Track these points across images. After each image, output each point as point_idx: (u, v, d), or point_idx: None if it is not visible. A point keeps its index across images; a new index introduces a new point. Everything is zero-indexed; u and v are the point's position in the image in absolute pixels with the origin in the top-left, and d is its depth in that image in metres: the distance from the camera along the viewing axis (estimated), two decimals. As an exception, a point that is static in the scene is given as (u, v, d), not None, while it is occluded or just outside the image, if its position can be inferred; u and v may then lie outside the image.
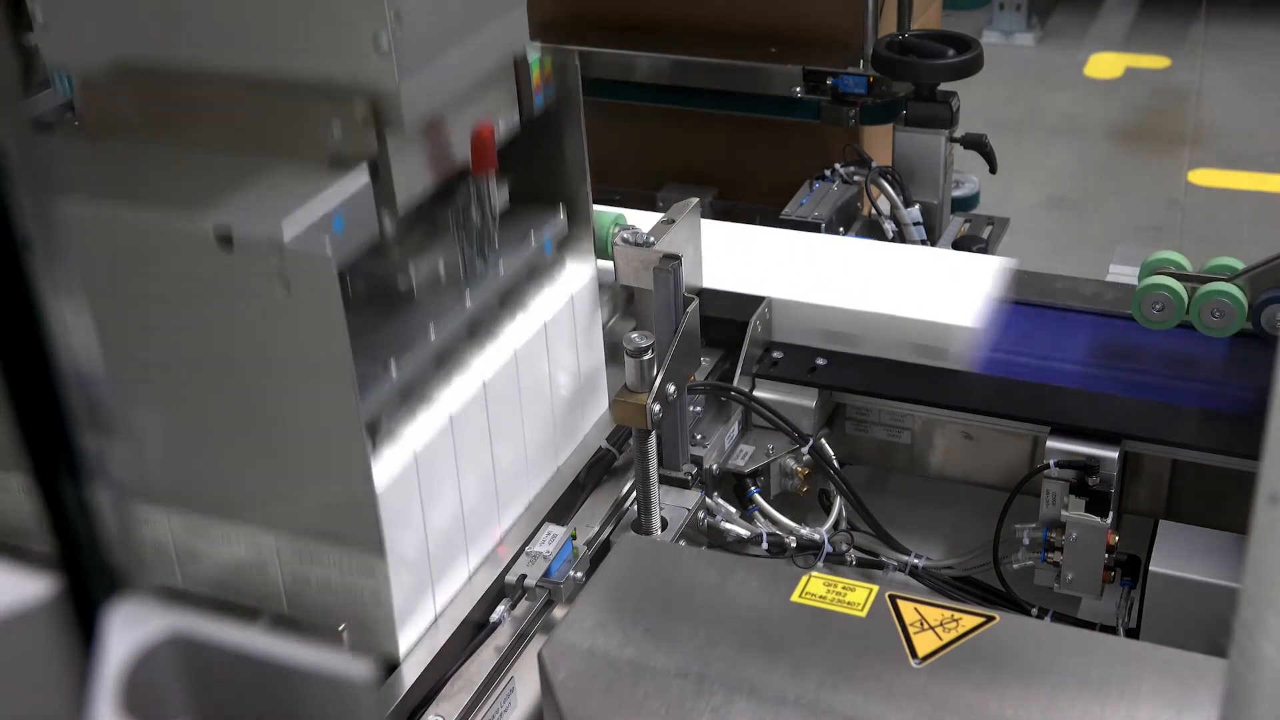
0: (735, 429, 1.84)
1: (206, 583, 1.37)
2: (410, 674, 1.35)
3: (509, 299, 1.55)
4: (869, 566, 1.80)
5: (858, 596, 1.33)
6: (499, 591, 1.49)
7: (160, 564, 1.36)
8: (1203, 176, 4.54)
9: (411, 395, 1.38)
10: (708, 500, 1.73)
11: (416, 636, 1.37)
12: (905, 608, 1.31)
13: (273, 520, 1.31)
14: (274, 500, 1.31)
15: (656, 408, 1.55)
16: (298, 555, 1.31)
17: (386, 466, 1.30)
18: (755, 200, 2.60)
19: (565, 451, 1.66)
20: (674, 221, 1.66)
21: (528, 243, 1.57)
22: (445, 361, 1.44)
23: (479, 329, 1.50)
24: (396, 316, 1.42)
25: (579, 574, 1.53)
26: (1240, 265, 1.75)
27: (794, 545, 1.73)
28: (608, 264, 1.71)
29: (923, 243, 2.30)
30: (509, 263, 1.53)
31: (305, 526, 1.30)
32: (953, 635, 1.27)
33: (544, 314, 1.58)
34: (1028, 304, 2.01)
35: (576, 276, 1.65)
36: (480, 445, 1.46)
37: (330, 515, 1.29)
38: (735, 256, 1.98)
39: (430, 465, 1.36)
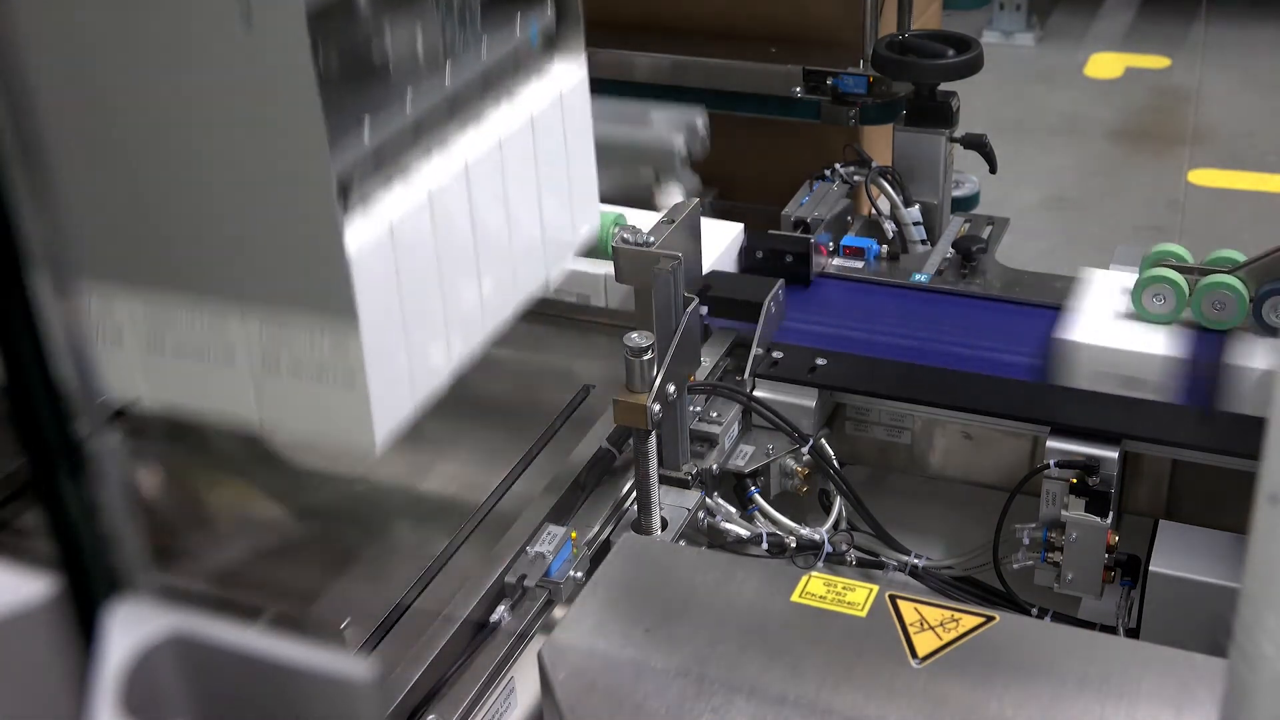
0: (735, 429, 1.84)
1: (172, 385, 1.28)
2: (410, 674, 1.35)
3: (493, 85, 1.46)
4: (869, 566, 1.80)
5: (858, 596, 1.33)
6: (499, 591, 1.49)
7: (122, 370, 1.27)
8: (1203, 176, 4.53)
9: (387, 164, 1.29)
10: (708, 500, 1.73)
11: (392, 427, 1.28)
12: (905, 608, 1.31)
13: (238, 294, 1.22)
14: (238, 271, 1.22)
15: (656, 408, 1.55)
16: (266, 335, 1.23)
17: (359, 234, 1.22)
18: (755, 200, 2.59)
19: (554, 264, 1.56)
20: (674, 221, 1.66)
21: (512, 29, 1.48)
22: (424, 136, 1.34)
23: (461, 110, 1.40)
24: (370, 85, 1.32)
25: (579, 574, 1.53)
26: (1241, 258, 1.75)
27: (794, 545, 1.73)
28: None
29: (923, 243, 2.30)
30: (493, 47, 1.44)
31: (272, 299, 1.22)
32: (953, 635, 1.27)
33: (532, 107, 1.49)
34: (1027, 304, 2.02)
35: (567, 77, 1.56)
36: (462, 232, 1.38)
37: (299, 285, 1.21)
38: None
39: (407, 241, 1.28)
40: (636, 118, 2.08)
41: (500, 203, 1.44)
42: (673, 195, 2.06)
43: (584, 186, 1.60)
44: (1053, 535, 1.69)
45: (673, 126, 2.06)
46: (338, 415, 1.24)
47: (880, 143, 2.55)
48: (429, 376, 1.34)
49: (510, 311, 1.47)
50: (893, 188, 2.31)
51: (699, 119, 2.09)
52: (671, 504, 1.68)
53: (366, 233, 1.23)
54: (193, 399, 1.29)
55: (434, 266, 1.32)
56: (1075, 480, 1.67)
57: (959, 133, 2.37)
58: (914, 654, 1.25)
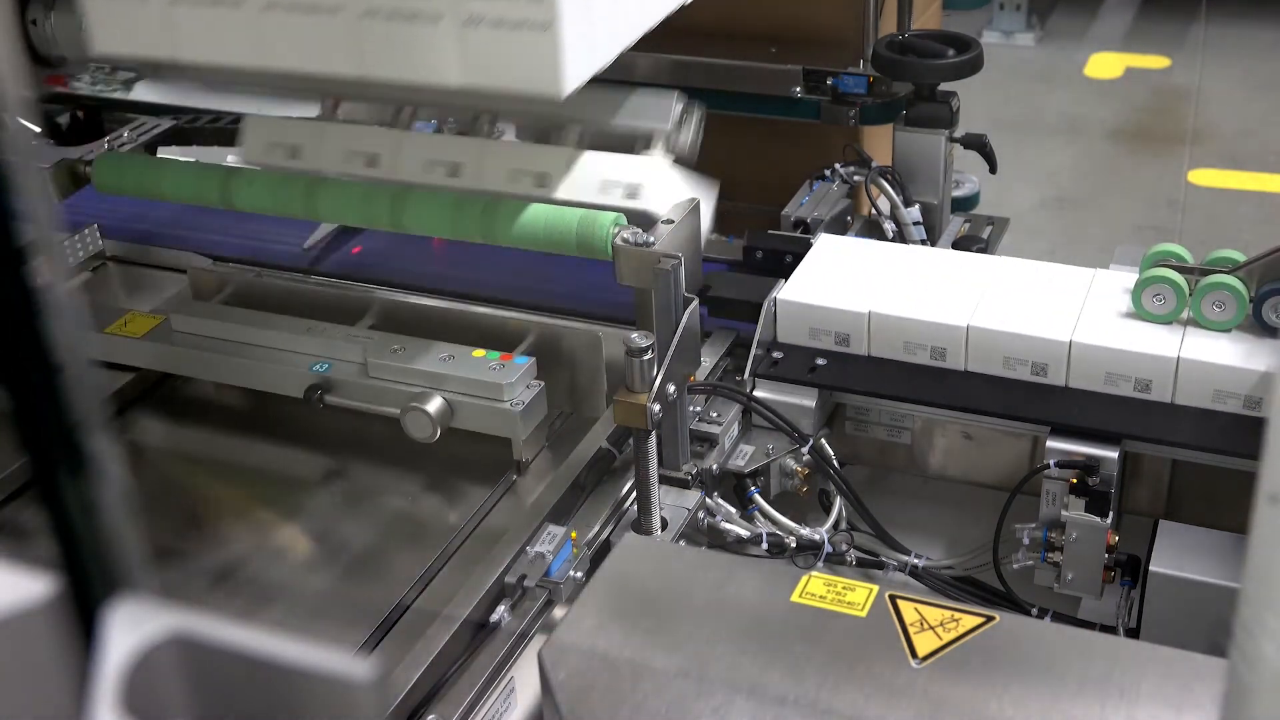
0: (735, 429, 1.84)
1: (382, 54, 1.44)
2: (410, 674, 1.35)
3: None
4: (869, 566, 1.80)
5: (858, 596, 1.33)
6: (499, 591, 1.49)
7: (332, 46, 1.44)
8: (1203, 176, 4.54)
9: None
10: (708, 500, 1.73)
11: (576, 75, 1.45)
12: (905, 608, 1.31)
13: None
14: None
15: (656, 408, 1.55)
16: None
17: None
18: (755, 200, 2.59)
19: None
20: (674, 221, 1.66)
21: None
22: None
23: None
24: None
25: (579, 574, 1.53)
26: (1241, 258, 1.75)
27: (794, 545, 1.73)
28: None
29: (923, 242, 2.30)
30: None
31: None
32: (953, 635, 1.27)
33: None
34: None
35: None
36: None
37: None
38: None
39: None
40: (619, 101, 2.14)
41: None
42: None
43: None
44: (1053, 535, 1.69)
45: (655, 107, 2.11)
46: (530, 62, 1.42)
47: (880, 143, 2.55)
48: (604, 43, 1.53)
49: (657, 18, 1.72)
50: (893, 188, 2.31)
51: (677, 102, 2.14)
52: (671, 504, 1.68)
53: None
54: (398, 68, 1.46)
55: None
56: (1075, 480, 1.67)
57: (959, 133, 2.36)
58: (914, 654, 1.25)
